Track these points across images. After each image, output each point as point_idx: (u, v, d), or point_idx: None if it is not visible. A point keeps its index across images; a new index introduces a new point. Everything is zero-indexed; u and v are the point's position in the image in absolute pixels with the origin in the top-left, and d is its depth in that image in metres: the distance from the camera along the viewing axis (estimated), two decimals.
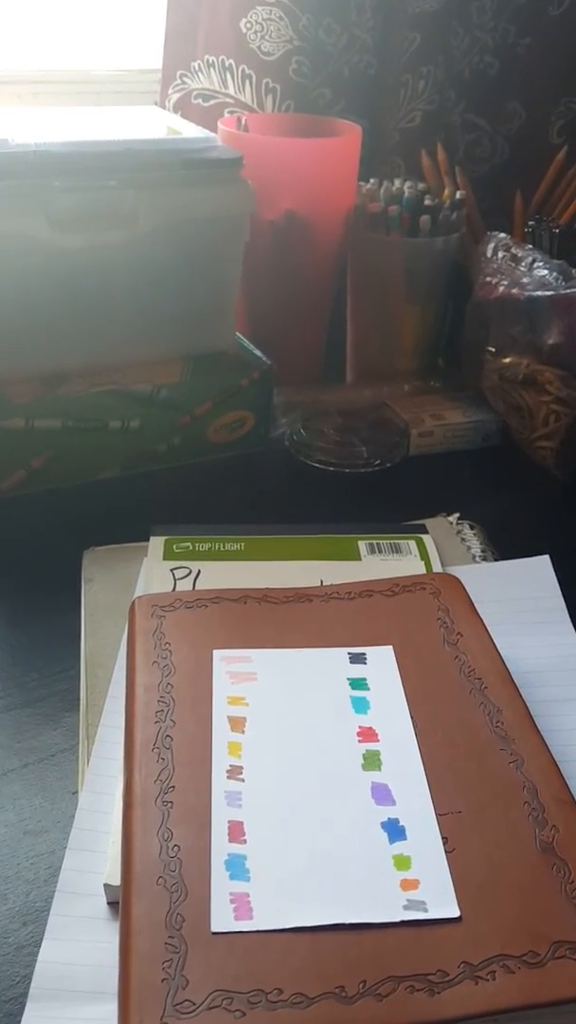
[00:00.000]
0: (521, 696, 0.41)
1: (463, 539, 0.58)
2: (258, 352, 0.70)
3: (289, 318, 0.76)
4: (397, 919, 0.31)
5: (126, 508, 0.62)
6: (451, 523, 0.60)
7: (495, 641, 0.44)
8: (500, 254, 0.70)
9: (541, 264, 0.67)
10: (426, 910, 0.32)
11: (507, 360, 0.69)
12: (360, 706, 0.40)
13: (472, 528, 0.59)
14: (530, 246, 0.70)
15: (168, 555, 0.54)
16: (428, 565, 0.55)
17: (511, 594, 0.52)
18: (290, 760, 0.38)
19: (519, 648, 0.47)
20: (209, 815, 0.35)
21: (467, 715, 0.40)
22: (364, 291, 0.76)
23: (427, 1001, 0.29)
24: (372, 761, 0.38)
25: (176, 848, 0.33)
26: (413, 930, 0.31)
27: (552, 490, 0.67)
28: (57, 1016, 0.32)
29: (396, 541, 0.56)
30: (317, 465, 0.68)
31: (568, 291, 0.65)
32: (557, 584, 0.53)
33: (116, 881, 0.35)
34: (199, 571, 0.53)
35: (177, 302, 0.65)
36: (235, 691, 0.41)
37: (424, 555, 0.55)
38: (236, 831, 0.34)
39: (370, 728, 0.39)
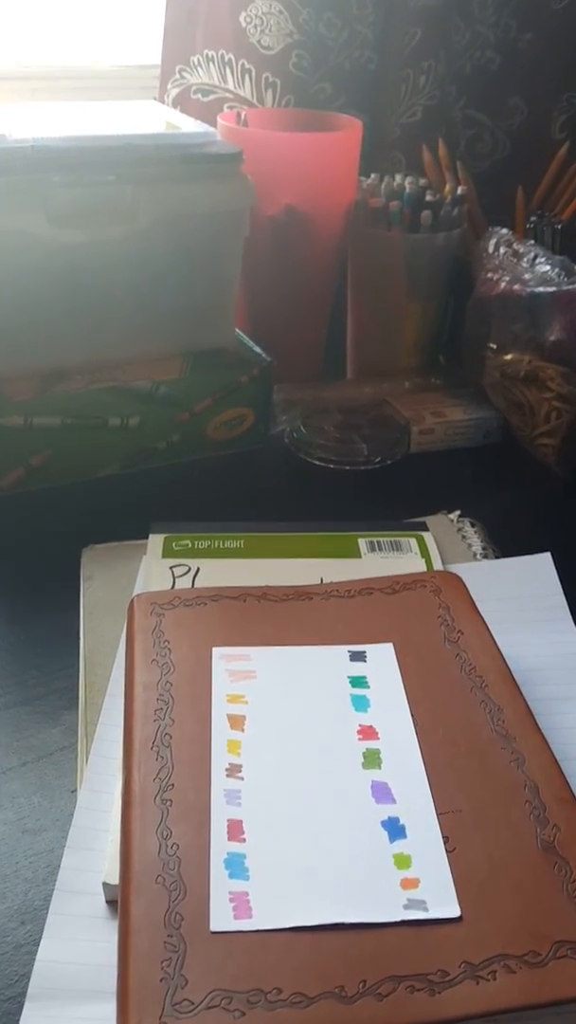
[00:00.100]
0: (522, 694, 0.40)
1: (464, 537, 0.58)
2: (258, 349, 0.70)
3: (289, 314, 0.75)
4: (397, 918, 0.31)
5: (125, 506, 0.62)
6: (452, 520, 0.60)
7: (496, 639, 0.44)
8: (502, 250, 0.69)
9: (543, 260, 0.67)
10: (426, 909, 0.31)
11: (508, 357, 0.68)
12: (360, 704, 0.40)
13: (473, 526, 0.59)
14: (532, 242, 0.70)
15: (167, 553, 0.54)
16: (429, 563, 0.54)
17: (512, 592, 0.52)
18: (290, 758, 0.37)
19: (520, 646, 0.47)
20: (208, 813, 0.35)
21: (468, 713, 0.39)
22: (364, 287, 0.76)
23: (427, 1001, 0.29)
24: (372, 759, 0.37)
25: (175, 846, 0.33)
26: (413, 929, 0.31)
27: (553, 487, 0.67)
28: (56, 1015, 0.32)
29: (396, 539, 0.56)
30: (317, 462, 0.68)
31: (570, 287, 0.64)
32: (558, 582, 0.53)
33: (115, 880, 0.35)
34: (198, 569, 0.53)
35: (176, 298, 0.65)
36: (234, 689, 0.40)
37: (425, 553, 0.55)
38: (235, 830, 0.34)
39: (370, 726, 0.39)
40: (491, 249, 0.70)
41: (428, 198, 0.72)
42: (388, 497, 0.65)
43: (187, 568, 0.53)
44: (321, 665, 0.42)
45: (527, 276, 0.67)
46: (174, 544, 0.55)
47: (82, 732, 0.44)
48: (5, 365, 0.63)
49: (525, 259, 0.68)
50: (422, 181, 0.75)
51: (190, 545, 0.55)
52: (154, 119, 0.68)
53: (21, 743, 0.44)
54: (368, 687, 0.41)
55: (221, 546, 0.55)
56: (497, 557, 0.56)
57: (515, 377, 0.68)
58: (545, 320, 0.65)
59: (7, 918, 0.36)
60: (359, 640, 0.44)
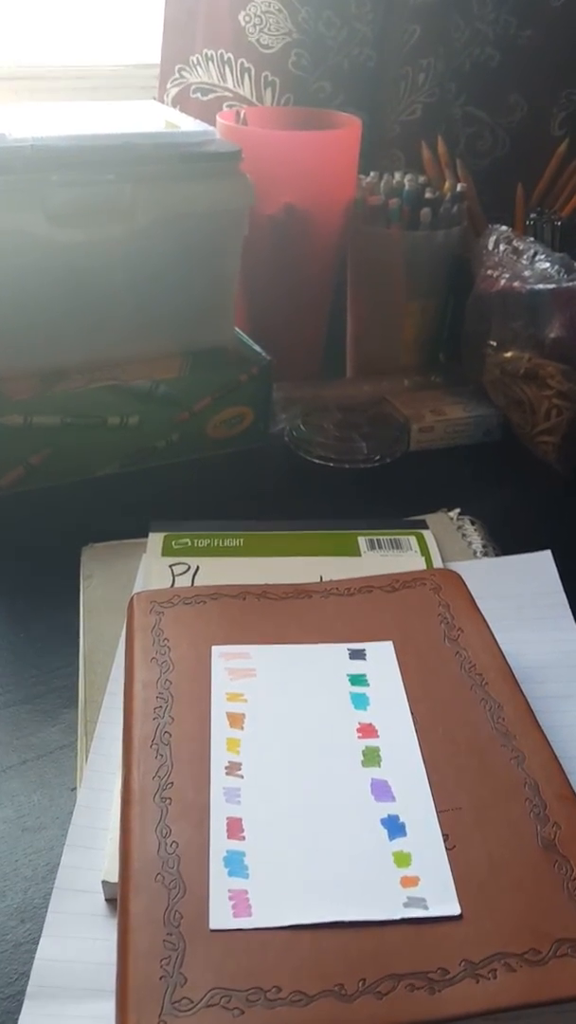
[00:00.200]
0: (522, 692, 0.40)
1: (464, 534, 0.58)
2: (257, 347, 0.70)
3: (289, 313, 0.75)
4: (397, 916, 0.31)
5: (125, 504, 0.62)
6: (452, 518, 0.60)
7: (496, 637, 0.43)
8: (501, 247, 0.69)
9: (543, 257, 0.67)
10: (426, 907, 0.31)
11: (508, 354, 0.68)
12: (360, 702, 0.40)
13: (473, 523, 0.59)
14: (531, 239, 0.69)
15: (167, 551, 0.54)
16: (428, 561, 0.54)
17: (512, 590, 0.52)
18: (289, 756, 0.37)
19: (520, 644, 0.46)
20: (208, 811, 0.35)
21: (468, 711, 0.39)
22: (364, 285, 0.76)
23: (427, 999, 0.29)
24: (372, 757, 0.37)
25: (174, 844, 0.33)
26: (413, 928, 0.31)
27: (554, 485, 0.67)
28: (55, 1014, 0.32)
29: (396, 537, 0.56)
30: (317, 461, 0.68)
31: (570, 284, 0.64)
32: (559, 579, 0.53)
33: (114, 878, 0.35)
34: (198, 567, 0.53)
35: (176, 297, 0.65)
36: (234, 687, 0.40)
37: (424, 551, 0.55)
38: (235, 827, 0.34)
39: (370, 724, 0.39)
40: (491, 246, 0.70)
41: (427, 195, 0.72)
42: (388, 495, 0.65)
43: (187, 566, 0.53)
44: (321, 663, 0.42)
45: (527, 273, 0.66)
46: (174, 543, 0.55)
47: (82, 730, 0.44)
48: (5, 364, 0.62)
49: (525, 256, 0.67)
50: (421, 178, 0.75)
51: (190, 544, 0.55)
52: (153, 118, 0.68)
53: (21, 741, 0.44)
54: (368, 685, 0.41)
55: (221, 544, 0.55)
56: (497, 555, 0.56)
57: (515, 374, 0.68)
58: (545, 317, 0.65)
59: (7, 916, 0.36)
60: (359, 638, 0.43)
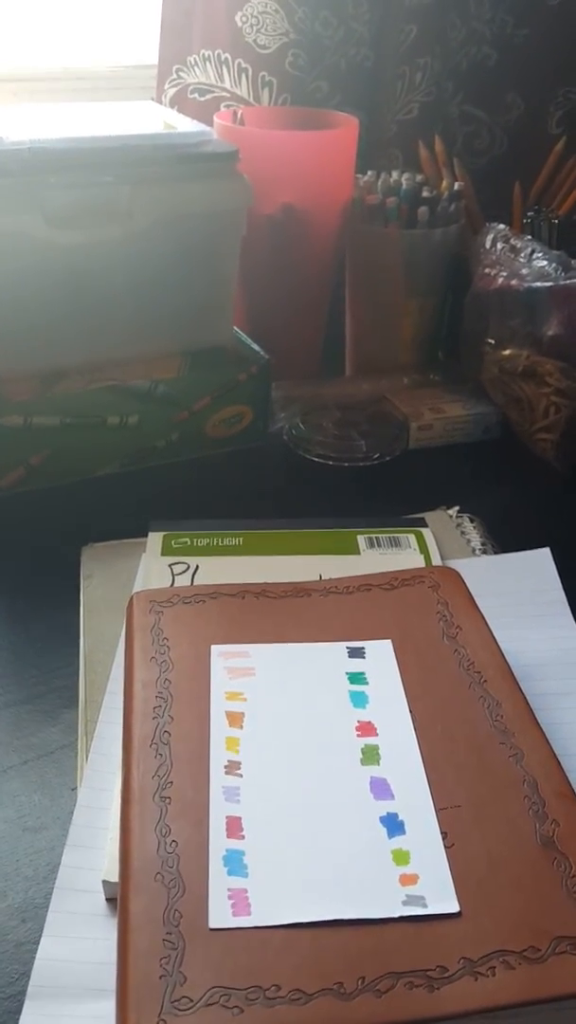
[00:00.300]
0: (521, 689, 0.40)
1: (463, 532, 0.58)
2: (256, 347, 0.70)
3: (287, 312, 0.75)
4: (396, 914, 0.31)
5: (124, 504, 0.62)
6: (451, 516, 0.60)
7: (495, 634, 0.44)
8: (499, 245, 0.69)
9: (540, 255, 0.67)
10: (425, 905, 0.31)
11: (507, 352, 0.68)
12: (359, 700, 0.40)
13: (472, 521, 0.59)
14: (529, 237, 0.69)
15: (166, 551, 0.54)
16: (427, 559, 0.54)
17: (511, 587, 0.52)
18: (288, 755, 0.37)
19: (519, 641, 0.47)
20: (207, 811, 0.35)
21: (466, 709, 0.39)
22: (362, 284, 0.76)
23: (426, 997, 0.29)
24: (371, 756, 0.37)
25: (174, 844, 0.33)
26: (412, 925, 0.31)
27: (552, 483, 0.67)
28: (56, 1013, 0.32)
29: (395, 535, 0.56)
30: (316, 459, 0.68)
31: (567, 282, 0.64)
32: (557, 577, 0.53)
33: (114, 877, 0.35)
34: (197, 566, 0.53)
35: (174, 297, 0.65)
36: (233, 686, 0.40)
37: (423, 549, 0.55)
38: (234, 827, 0.34)
39: (369, 722, 0.39)
40: (488, 245, 0.70)
41: (425, 194, 0.72)
42: (387, 493, 0.65)
43: (186, 566, 0.53)
44: (320, 661, 0.42)
45: (524, 271, 0.66)
46: (173, 542, 0.55)
47: (82, 730, 0.44)
48: (4, 366, 0.63)
49: (522, 254, 0.67)
50: (419, 177, 0.75)
51: (189, 543, 0.55)
52: (151, 119, 0.68)
53: (21, 741, 0.44)
54: (367, 683, 0.41)
55: (220, 543, 0.55)
56: (496, 552, 0.56)
57: (513, 372, 0.68)
58: (543, 315, 0.65)
59: (8, 916, 0.37)
60: (358, 636, 0.44)
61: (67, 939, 0.35)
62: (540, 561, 0.54)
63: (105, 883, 0.36)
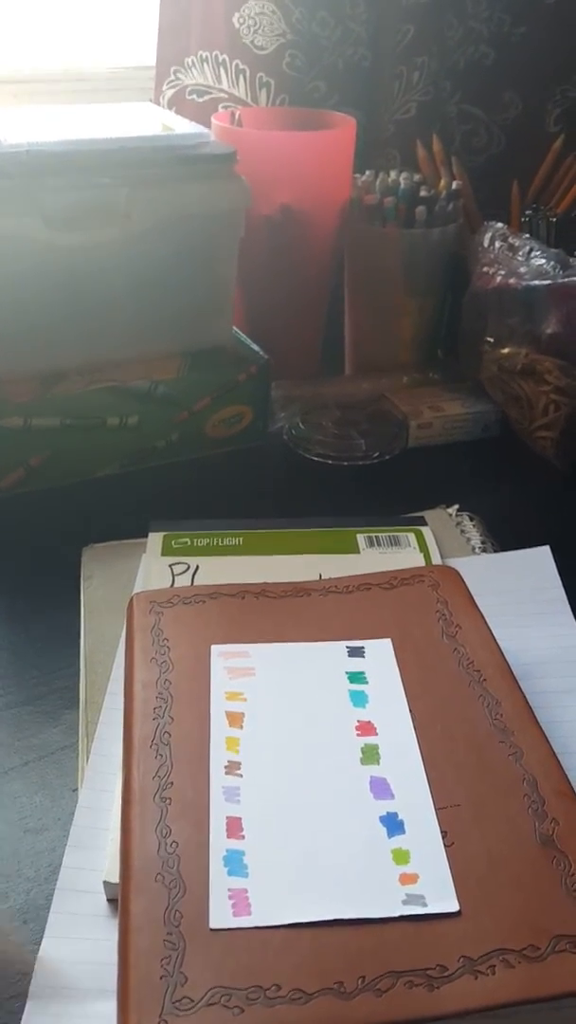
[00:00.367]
0: (520, 688, 0.40)
1: (462, 531, 0.58)
2: (255, 347, 0.70)
3: (286, 312, 0.76)
4: (396, 914, 0.31)
5: (125, 505, 0.62)
6: (450, 515, 0.60)
7: (495, 633, 0.44)
8: (497, 244, 0.69)
9: (538, 253, 0.67)
10: (425, 904, 0.32)
11: (506, 350, 0.68)
12: (358, 700, 0.40)
13: (471, 519, 0.59)
14: (527, 235, 0.69)
15: (167, 551, 0.54)
16: (427, 557, 0.54)
17: (511, 585, 0.52)
18: (288, 755, 0.37)
19: (519, 640, 0.47)
20: (207, 811, 0.35)
21: (466, 708, 0.39)
22: (361, 283, 0.76)
23: (426, 996, 0.29)
24: (370, 755, 0.37)
25: (174, 844, 0.33)
26: (412, 925, 0.31)
27: (552, 480, 0.67)
28: (57, 1014, 0.32)
29: (395, 534, 0.56)
30: (316, 458, 0.68)
31: (566, 280, 0.64)
32: (557, 575, 0.53)
33: (115, 878, 0.35)
34: (197, 566, 0.53)
35: (174, 298, 0.65)
36: (233, 686, 0.41)
37: (423, 547, 0.55)
38: (234, 827, 0.34)
39: (368, 722, 0.39)
40: (486, 243, 0.70)
41: (423, 193, 0.72)
42: (386, 492, 0.65)
43: (186, 566, 0.53)
44: (319, 661, 0.42)
45: (523, 270, 0.66)
46: (173, 542, 0.55)
47: (83, 731, 0.44)
48: (4, 367, 0.63)
49: (520, 253, 0.67)
50: (417, 177, 0.75)
51: (189, 543, 0.55)
52: (149, 121, 0.68)
53: (22, 743, 0.45)
54: (366, 683, 0.41)
55: (220, 543, 0.55)
56: (496, 551, 0.56)
57: (512, 371, 0.68)
58: (541, 313, 0.65)
59: (9, 917, 0.37)
60: (357, 636, 0.44)
61: (68, 940, 0.35)
62: (540, 559, 0.54)
63: (106, 884, 0.36)
